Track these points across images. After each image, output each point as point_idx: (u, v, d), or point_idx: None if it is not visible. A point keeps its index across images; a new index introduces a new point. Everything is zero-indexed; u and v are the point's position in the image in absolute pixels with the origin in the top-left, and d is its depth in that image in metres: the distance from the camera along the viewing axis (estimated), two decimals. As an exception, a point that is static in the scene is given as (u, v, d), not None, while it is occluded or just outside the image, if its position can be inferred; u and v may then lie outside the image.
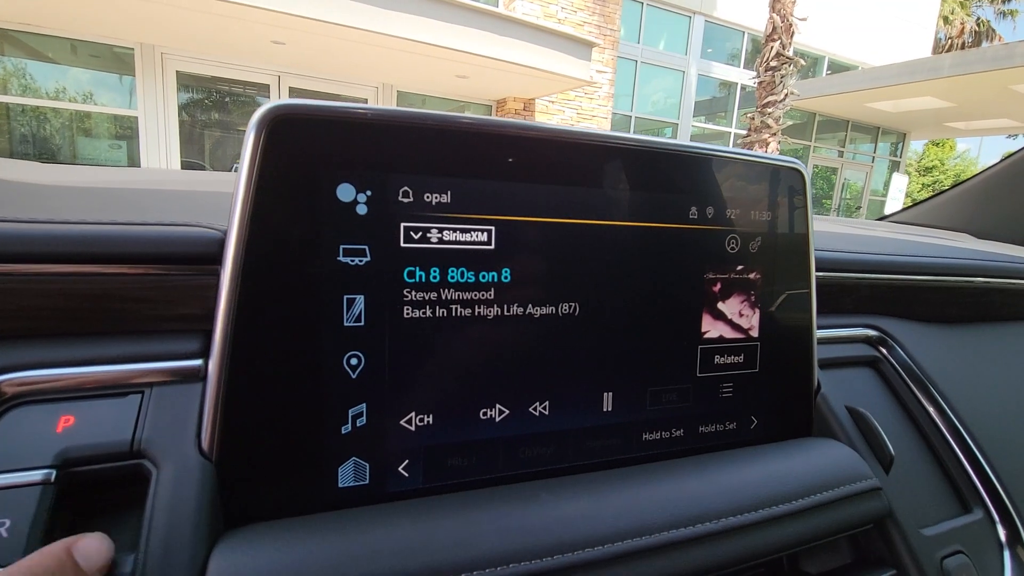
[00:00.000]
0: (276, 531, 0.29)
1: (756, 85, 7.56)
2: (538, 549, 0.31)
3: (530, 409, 0.37)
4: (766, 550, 0.37)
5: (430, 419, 0.35)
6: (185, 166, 6.73)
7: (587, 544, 0.32)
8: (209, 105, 7.15)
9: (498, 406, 0.36)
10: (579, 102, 8.05)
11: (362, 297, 0.33)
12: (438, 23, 5.62)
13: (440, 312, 0.34)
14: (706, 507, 0.36)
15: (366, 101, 7.43)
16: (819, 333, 0.48)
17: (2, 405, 0.29)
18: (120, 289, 0.32)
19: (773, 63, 7.23)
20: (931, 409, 0.53)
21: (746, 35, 10.81)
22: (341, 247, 0.32)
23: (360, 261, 0.32)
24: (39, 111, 6.21)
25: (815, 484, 0.40)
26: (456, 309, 0.34)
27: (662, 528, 0.34)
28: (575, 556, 0.32)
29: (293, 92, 7.09)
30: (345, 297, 0.32)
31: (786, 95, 7.29)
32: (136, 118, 6.40)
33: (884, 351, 0.56)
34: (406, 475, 0.34)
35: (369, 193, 0.32)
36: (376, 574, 0.28)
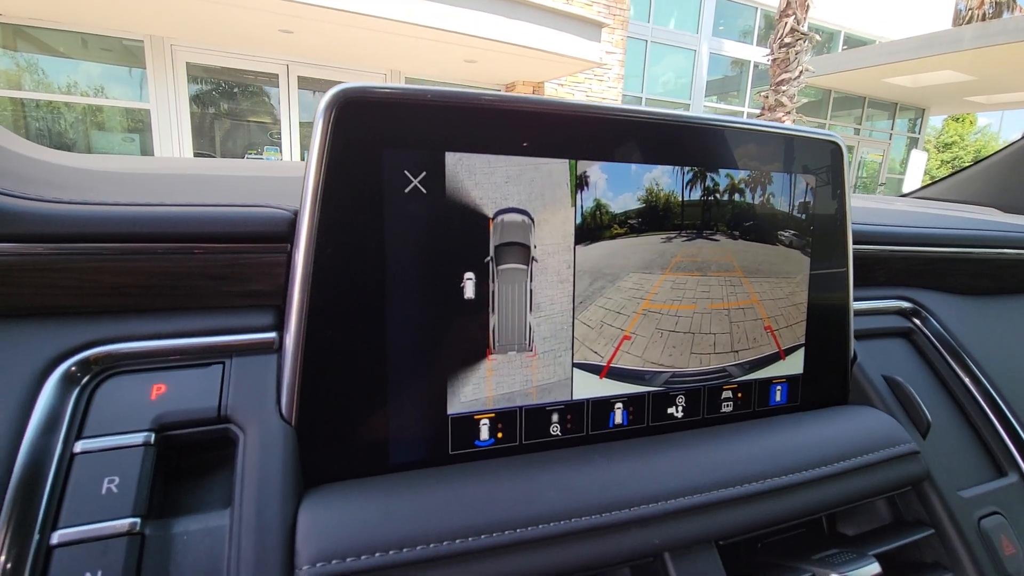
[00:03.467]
0: (355, 489, 0.31)
1: (770, 63, 7.40)
2: (594, 506, 0.33)
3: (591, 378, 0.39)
4: (807, 510, 0.38)
5: (486, 390, 0.36)
6: (197, 157, 6.78)
7: (639, 502, 0.34)
8: (218, 96, 7.17)
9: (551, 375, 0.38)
10: (589, 84, 7.95)
11: (426, 275, 0.34)
12: (446, 7, 5.56)
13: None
14: (750, 470, 0.38)
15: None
16: (854, 305, 0.49)
17: (100, 375, 0.31)
18: (200, 267, 0.34)
19: (787, 39, 7.06)
20: (965, 378, 0.53)
21: (759, 11, 10.55)
22: (408, 225, 0.33)
23: (427, 239, 0.34)
24: (53, 106, 6.28)
25: (854, 448, 0.41)
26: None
27: (708, 488, 0.36)
28: (629, 512, 0.33)
29: (302, 81, 7.09)
30: (409, 273, 0.34)
31: (801, 72, 7.13)
32: (148, 111, 6.45)
33: (918, 322, 0.57)
34: (470, 439, 0.36)
35: (423, 174, 0.34)
36: (448, 527, 0.30)
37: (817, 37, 7.26)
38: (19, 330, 0.31)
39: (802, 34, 6.96)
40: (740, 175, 0.42)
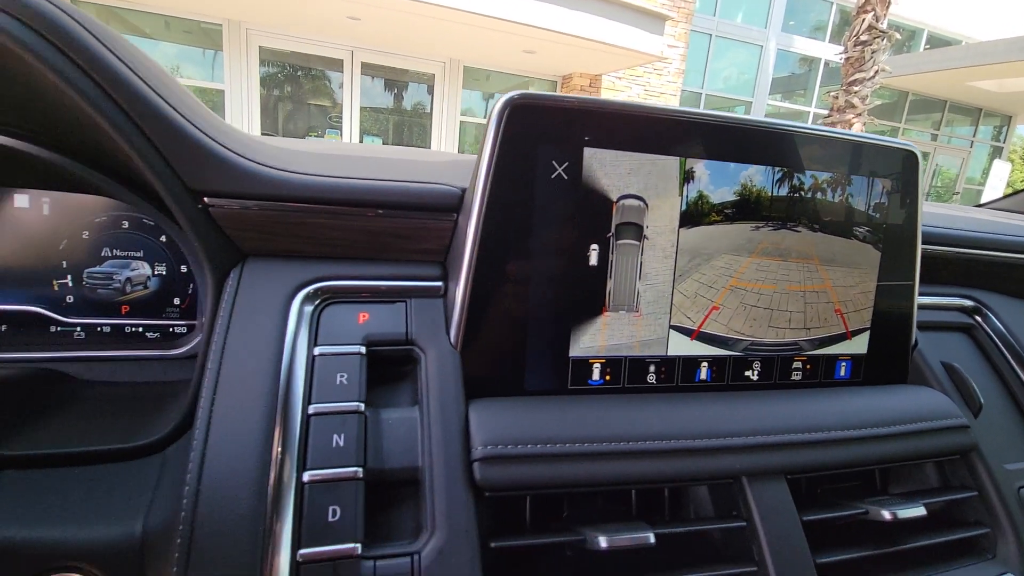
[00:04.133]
0: (504, 402, 0.41)
1: (842, 61, 7.07)
2: (687, 433, 0.42)
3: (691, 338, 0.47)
4: (863, 460, 0.46)
5: (600, 340, 0.45)
6: (265, 136, 7.13)
7: (724, 435, 0.42)
8: (283, 79, 7.52)
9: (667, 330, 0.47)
10: (647, 78, 7.84)
11: (563, 243, 0.43)
12: (510, -3, 5.63)
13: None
14: (816, 422, 0.45)
15: (433, 76, 7.58)
16: (919, 299, 0.55)
17: (324, 302, 0.42)
18: (390, 228, 0.44)
19: (864, 37, 6.72)
20: (1022, 373, 0.58)
21: (834, 6, 10.06)
22: (551, 205, 0.43)
23: (561, 215, 0.43)
24: (140, 84, 6.75)
25: (909, 416, 0.48)
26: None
27: (780, 432, 0.44)
28: (715, 441, 0.42)
29: (365, 67, 7.34)
30: (551, 242, 0.43)
31: (876, 72, 6.79)
32: (222, 91, 6.85)
33: (979, 319, 0.61)
34: (584, 378, 0.46)
35: (566, 164, 0.43)
36: (577, 434, 0.39)
37: (897, 35, 6.88)
38: (276, 265, 0.42)
39: (880, 32, 6.62)
40: (824, 176, 0.49)
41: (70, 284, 0.57)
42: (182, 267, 0.59)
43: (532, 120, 0.42)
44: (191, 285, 0.60)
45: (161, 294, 0.59)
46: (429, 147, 7.71)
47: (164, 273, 0.59)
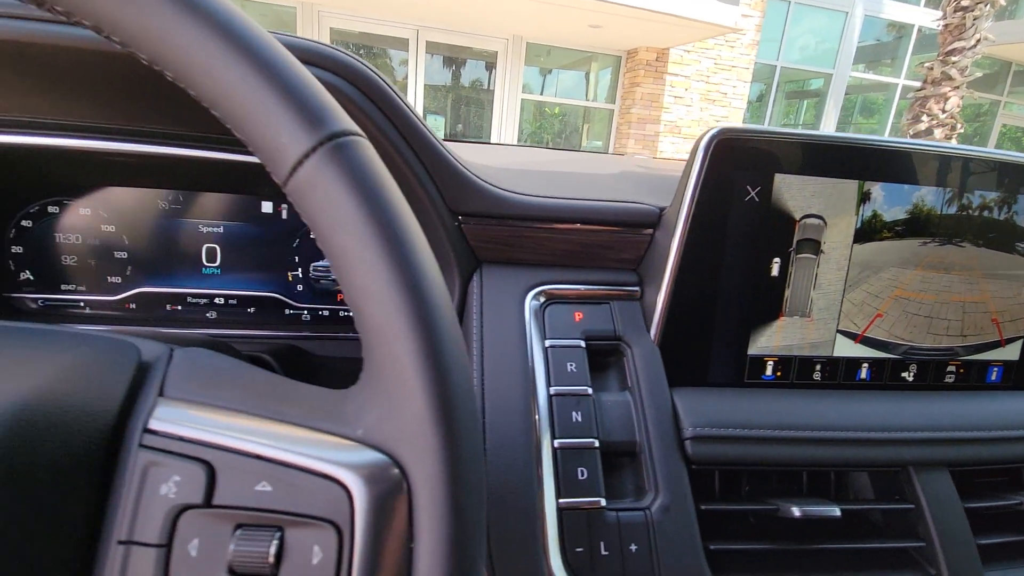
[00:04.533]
0: (700, 390, 0.49)
1: (940, 28, 6.48)
2: (861, 426, 0.48)
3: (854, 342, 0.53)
4: (1018, 458, 0.50)
5: (773, 341, 0.52)
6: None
7: (893, 429, 0.48)
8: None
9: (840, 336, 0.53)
10: (718, 51, 7.50)
11: (750, 256, 0.50)
12: (579, -29, 5.52)
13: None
14: (973, 421, 0.50)
15: (496, 54, 7.58)
16: None
17: (548, 302, 0.51)
18: (596, 241, 0.53)
19: (965, 2, 6.12)
20: None
21: (932, -35, 9.14)
22: (741, 223, 0.49)
23: (750, 232, 0.50)
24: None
25: None
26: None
27: (943, 428, 0.49)
28: (889, 434, 0.48)
29: (429, 46, 7.44)
30: (739, 255, 0.50)
31: (978, 41, 6.19)
32: (297, 72, 7.14)
33: None
34: (759, 374, 0.53)
35: (758, 188, 0.49)
36: (765, 421, 0.47)
37: (1002, 0, 6.21)
38: (508, 271, 0.52)
39: (987, -5, 6.00)
40: (991, 196, 0.53)
41: (300, 275, 0.69)
42: (384, 262, 0.70)
43: (733, 151, 0.48)
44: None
45: (367, 285, 0.71)
46: (490, 125, 7.76)
47: (370, 267, 0.70)
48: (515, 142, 7.84)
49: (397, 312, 0.22)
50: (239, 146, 0.55)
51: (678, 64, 7.41)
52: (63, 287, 0.64)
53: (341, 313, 0.71)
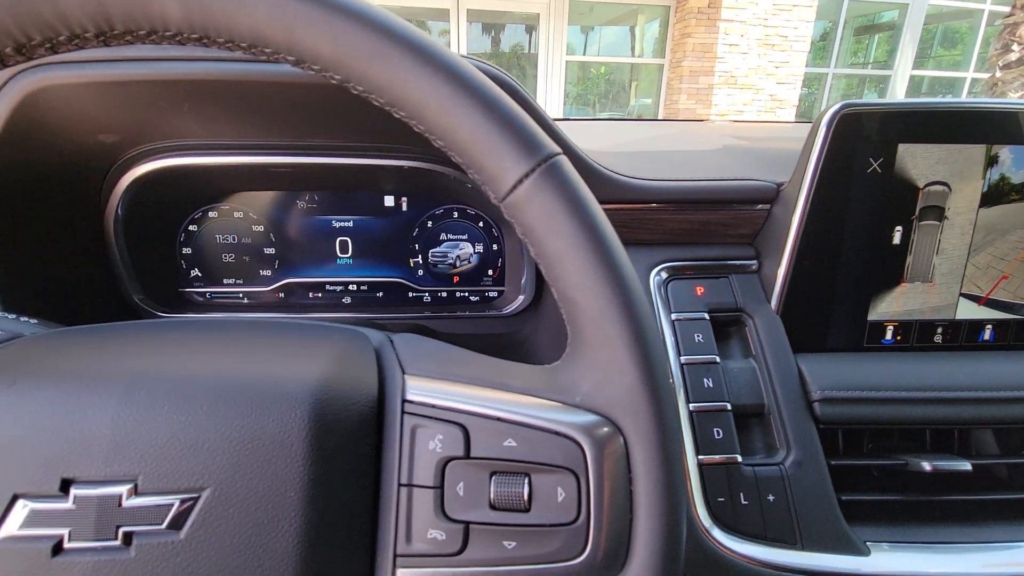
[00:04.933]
0: (823, 355, 0.52)
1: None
2: (984, 385, 0.50)
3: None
4: None
5: (896, 307, 0.54)
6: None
7: (1017, 388, 0.50)
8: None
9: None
10: (776, -11, 6.95)
11: (869, 227, 0.52)
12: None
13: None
14: None
15: (537, 16, 7.37)
16: None
17: (670, 278, 0.55)
18: (713, 219, 0.56)
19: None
20: None
21: None
22: (862, 194, 0.51)
23: (871, 204, 0.51)
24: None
25: None
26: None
27: None
28: (1013, 393, 0.50)
29: (471, 14, 7.32)
30: (859, 226, 0.52)
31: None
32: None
33: None
34: (878, 338, 0.55)
35: (880, 159, 0.50)
36: (896, 383, 0.49)
37: None
38: (635, 251, 0.56)
39: None
40: None
41: (420, 261, 0.76)
42: (494, 246, 0.76)
43: (855, 125, 0.49)
44: (500, 260, 0.77)
45: (480, 268, 0.77)
46: (534, 89, 7.62)
47: (482, 251, 0.76)
48: (560, 105, 7.67)
49: (610, 302, 0.27)
50: (373, 153, 0.61)
51: (732, 9, 6.94)
52: (224, 281, 0.74)
53: (457, 294, 0.77)
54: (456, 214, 0.75)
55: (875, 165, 0.50)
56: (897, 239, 0.52)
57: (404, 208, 0.74)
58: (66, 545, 0.25)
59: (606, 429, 0.27)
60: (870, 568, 0.44)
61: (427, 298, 0.77)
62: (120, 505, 0.25)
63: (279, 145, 0.58)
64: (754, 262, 0.56)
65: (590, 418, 0.28)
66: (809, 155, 0.50)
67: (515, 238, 0.73)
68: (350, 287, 0.76)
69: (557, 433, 0.28)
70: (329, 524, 0.27)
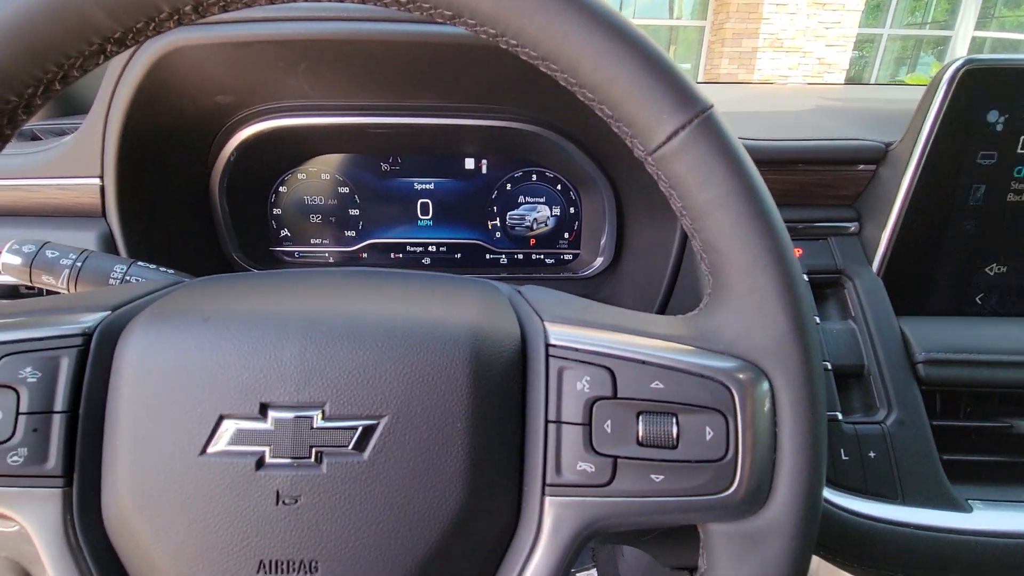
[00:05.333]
0: (926, 318, 0.52)
1: None
2: None
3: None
4: None
5: (1004, 268, 0.53)
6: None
7: None
8: None
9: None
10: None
11: (984, 186, 0.50)
12: None
13: None
14: None
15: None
16: None
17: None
18: (816, 179, 0.55)
19: None
20: None
21: None
22: (980, 152, 0.49)
23: (988, 162, 0.50)
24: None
25: None
26: None
27: None
28: None
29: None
30: (973, 185, 0.50)
31: None
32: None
33: None
34: (979, 303, 0.54)
35: (1006, 116, 0.48)
36: (1000, 346, 0.49)
37: None
38: None
39: None
40: None
41: (498, 224, 0.77)
42: (571, 209, 0.77)
43: (978, 82, 0.48)
44: (576, 223, 0.77)
45: (556, 231, 0.78)
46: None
47: (559, 214, 0.77)
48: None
49: (763, 251, 0.28)
50: (467, 113, 0.62)
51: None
52: (312, 241, 0.77)
53: (533, 257, 0.79)
54: (535, 177, 0.75)
55: (998, 121, 0.49)
56: (1012, 197, 0.51)
57: (484, 171, 0.75)
58: (267, 460, 0.28)
59: (752, 374, 0.28)
60: (972, 524, 0.45)
61: (504, 260, 0.79)
62: (312, 428, 0.28)
63: (378, 106, 0.59)
64: (854, 224, 0.55)
65: (736, 363, 0.29)
66: (926, 112, 0.49)
67: (594, 201, 0.73)
68: (429, 248, 0.78)
69: (705, 377, 0.29)
70: (486, 454, 0.29)
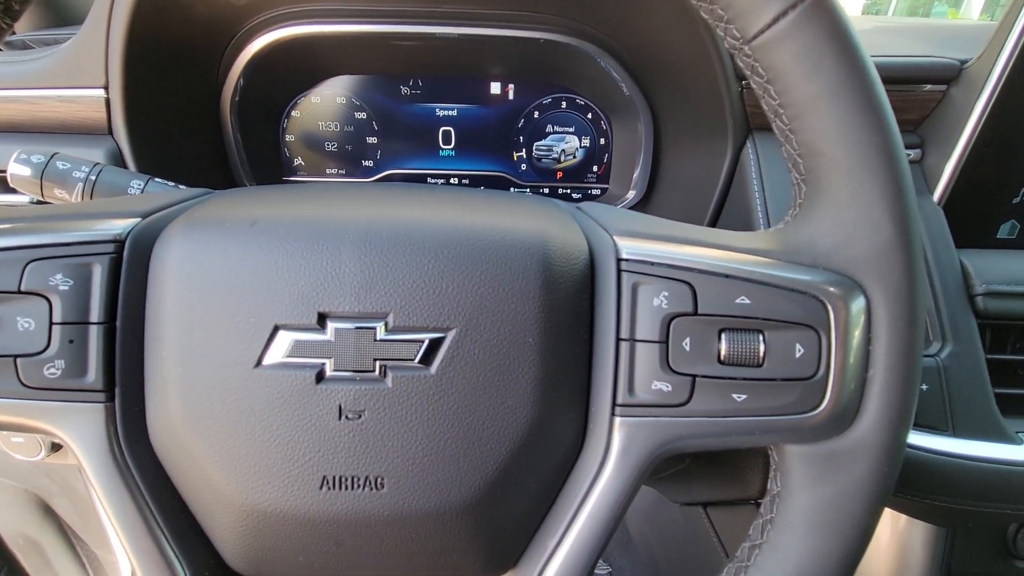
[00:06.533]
0: (984, 251, 0.50)
1: None
2: None
3: None
4: None
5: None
6: None
7: None
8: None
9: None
10: None
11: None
12: None
13: None
14: None
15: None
16: None
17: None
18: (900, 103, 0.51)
19: None
20: None
21: None
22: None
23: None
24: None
25: None
26: None
27: None
28: None
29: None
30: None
31: None
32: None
33: None
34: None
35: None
36: None
37: None
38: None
39: None
40: None
41: (524, 155, 0.73)
42: (601, 140, 0.72)
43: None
44: (607, 155, 0.73)
45: (585, 163, 0.74)
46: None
47: (588, 146, 0.73)
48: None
49: (875, 151, 0.25)
50: (503, 22, 0.57)
51: None
52: (327, 171, 0.73)
53: (560, 191, 0.75)
54: (564, 104, 0.71)
55: (1085, 37, 0.44)
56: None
57: (510, 96, 0.70)
58: (328, 373, 0.26)
59: (847, 287, 0.26)
60: (1021, 455, 0.44)
61: (529, 193, 0.75)
62: (375, 339, 0.26)
63: (404, 11, 0.54)
64: (916, 151, 0.52)
65: (830, 276, 0.27)
66: (1011, 26, 0.45)
67: (627, 129, 0.69)
68: (451, 180, 0.74)
69: (796, 291, 0.27)
70: (556, 371, 0.27)
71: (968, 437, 0.45)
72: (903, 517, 0.53)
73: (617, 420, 0.28)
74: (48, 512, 0.87)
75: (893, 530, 0.56)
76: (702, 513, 0.80)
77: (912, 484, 0.43)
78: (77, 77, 0.48)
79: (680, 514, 0.85)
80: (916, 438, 0.45)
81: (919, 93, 0.50)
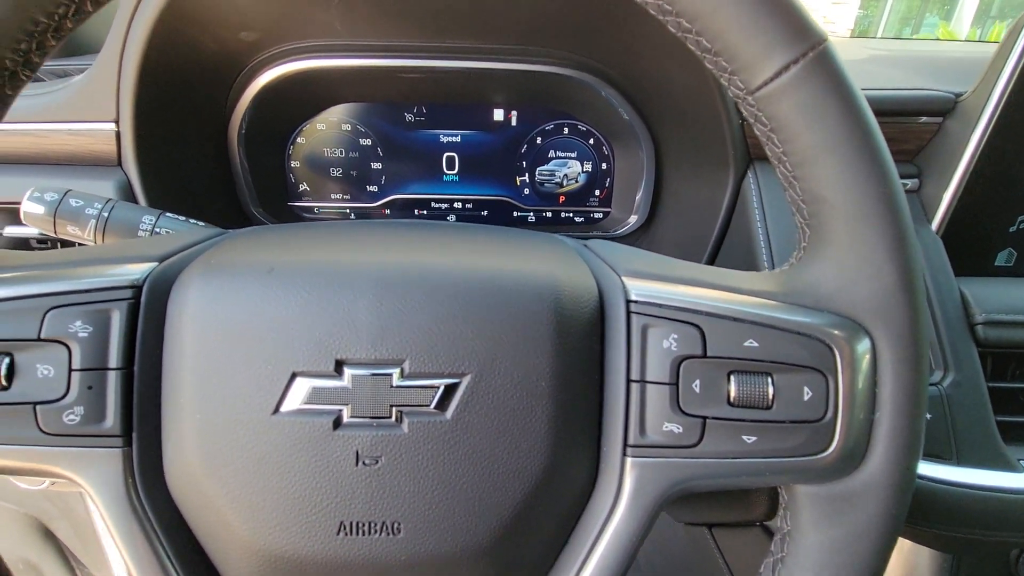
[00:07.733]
0: (987, 279, 0.51)
1: None
2: None
3: None
4: None
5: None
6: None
7: None
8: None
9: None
10: None
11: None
12: None
13: None
14: None
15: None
16: None
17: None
18: (897, 134, 0.52)
19: None
20: None
21: None
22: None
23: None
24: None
25: None
26: None
27: None
28: None
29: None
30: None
31: None
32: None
33: None
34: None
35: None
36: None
37: None
38: None
39: None
40: None
41: (527, 180, 0.74)
42: (603, 164, 0.74)
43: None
44: (608, 180, 0.74)
45: (587, 187, 0.75)
46: None
47: (590, 170, 0.74)
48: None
49: (875, 199, 0.26)
50: (504, 56, 0.58)
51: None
52: (332, 196, 0.74)
53: (563, 215, 0.76)
54: (566, 130, 0.72)
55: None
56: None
57: (513, 123, 0.71)
58: (345, 420, 0.26)
59: (852, 330, 0.27)
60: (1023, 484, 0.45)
61: (532, 218, 0.76)
62: (391, 386, 0.26)
63: (410, 47, 0.55)
64: (914, 181, 0.53)
65: (834, 319, 0.27)
66: (1004, 61, 0.46)
67: (629, 155, 0.70)
68: (455, 205, 0.75)
69: (803, 334, 0.27)
70: (569, 414, 0.28)
71: (971, 465, 0.45)
72: (908, 541, 0.53)
73: (629, 461, 0.28)
74: (48, 536, 0.86)
75: (899, 554, 0.56)
76: (707, 534, 0.80)
77: (916, 513, 0.44)
78: (88, 112, 0.49)
79: (685, 534, 0.85)
80: (920, 467, 0.45)
81: (915, 125, 0.52)
